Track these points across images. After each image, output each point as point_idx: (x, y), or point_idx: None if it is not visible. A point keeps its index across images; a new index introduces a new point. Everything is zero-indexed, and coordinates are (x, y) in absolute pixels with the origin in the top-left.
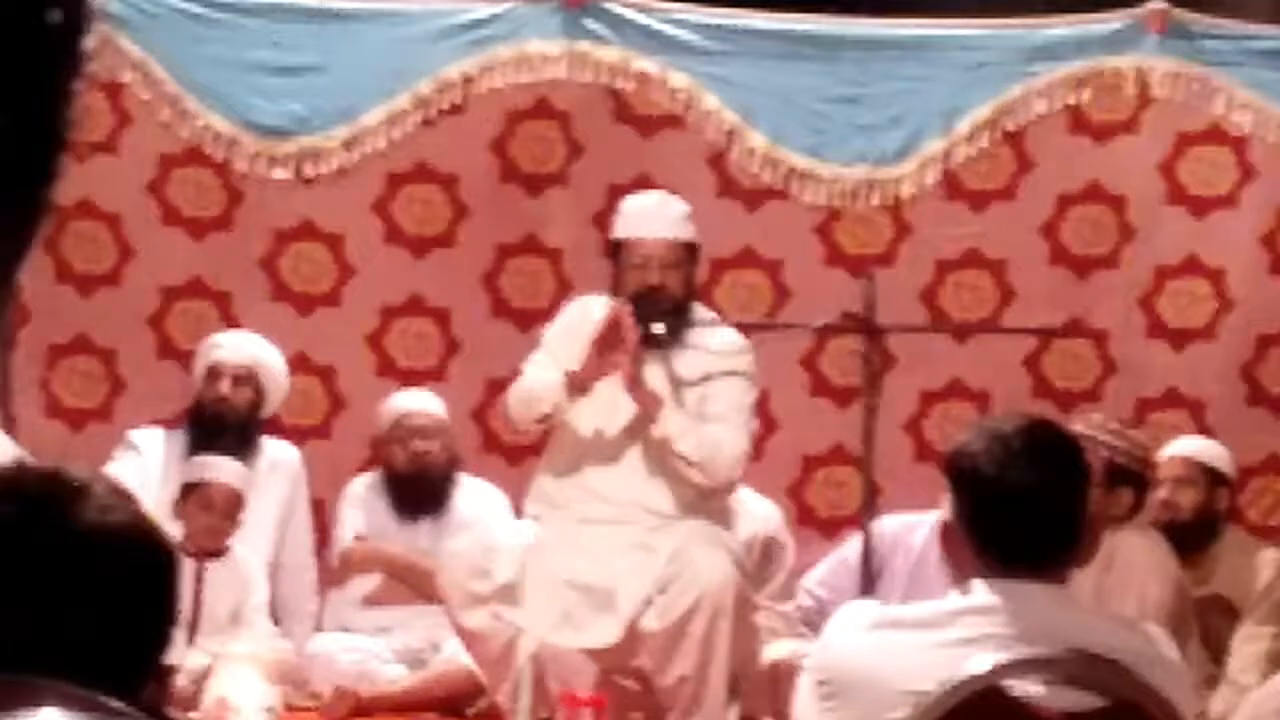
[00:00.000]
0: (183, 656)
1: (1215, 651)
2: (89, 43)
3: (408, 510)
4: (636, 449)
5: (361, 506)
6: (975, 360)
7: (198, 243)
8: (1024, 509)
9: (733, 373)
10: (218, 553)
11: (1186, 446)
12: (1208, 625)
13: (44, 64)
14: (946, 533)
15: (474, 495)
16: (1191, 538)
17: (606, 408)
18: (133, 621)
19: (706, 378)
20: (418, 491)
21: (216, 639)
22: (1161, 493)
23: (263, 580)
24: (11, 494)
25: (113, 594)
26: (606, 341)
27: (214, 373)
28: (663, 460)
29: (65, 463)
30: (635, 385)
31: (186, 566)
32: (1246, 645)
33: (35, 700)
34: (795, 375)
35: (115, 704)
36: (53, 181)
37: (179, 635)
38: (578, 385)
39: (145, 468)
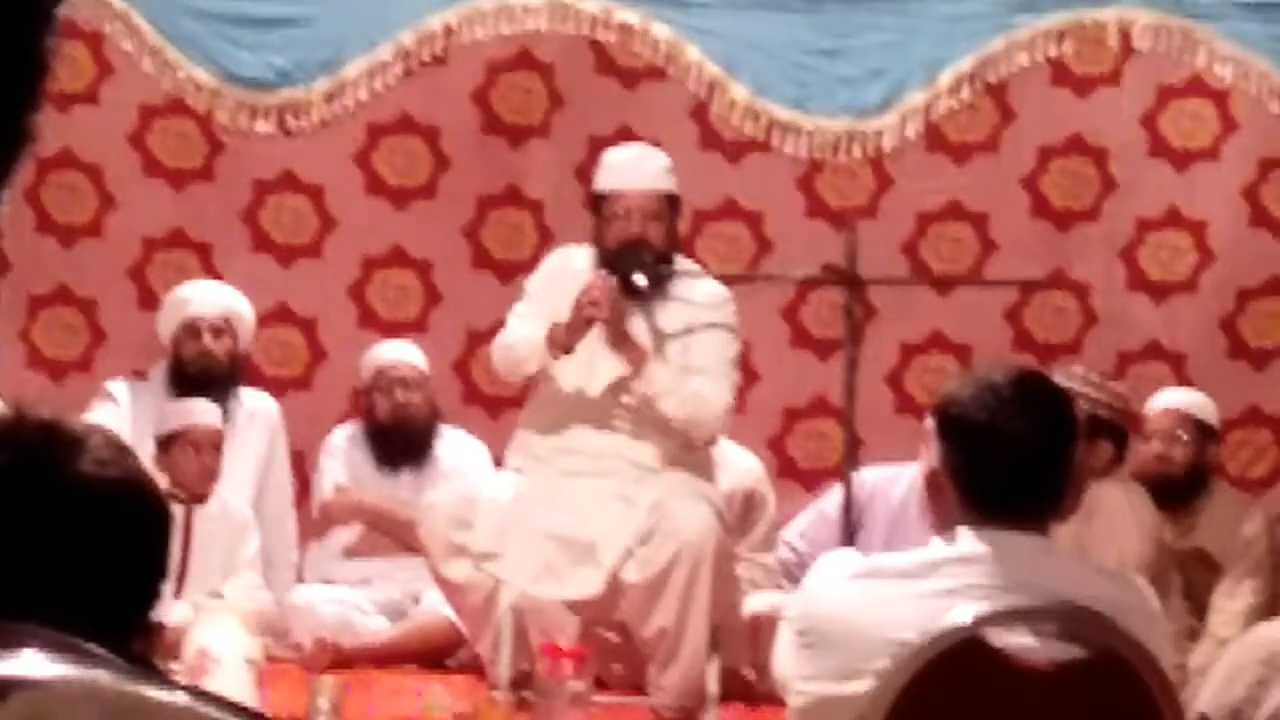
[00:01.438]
0: (169, 607)
1: (1196, 604)
2: None
3: (389, 461)
4: (617, 407)
5: (342, 458)
6: (956, 312)
7: (179, 194)
8: (1011, 458)
9: (715, 324)
10: (207, 496)
11: (1177, 399)
12: (1190, 578)
13: None
14: (931, 480)
15: (455, 446)
16: (1182, 491)
17: (586, 367)
18: (125, 574)
19: (689, 329)
20: (399, 442)
21: (208, 585)
22: (1155, 446)
23: (255, 529)
24: (9, 442)
25: (106, 546)
26: (584, 310)
27: (191, 328)
28: (643, 417)
29: (62, 413)
30: (619, 340)
31: (174, 513)
32: (1229, 601)
33: (16, 643)
34: (776, 327)
35: (97, 650)
36: (34, 109)
37: (167, 586)
38: (559, 345)
39: (121, 418)
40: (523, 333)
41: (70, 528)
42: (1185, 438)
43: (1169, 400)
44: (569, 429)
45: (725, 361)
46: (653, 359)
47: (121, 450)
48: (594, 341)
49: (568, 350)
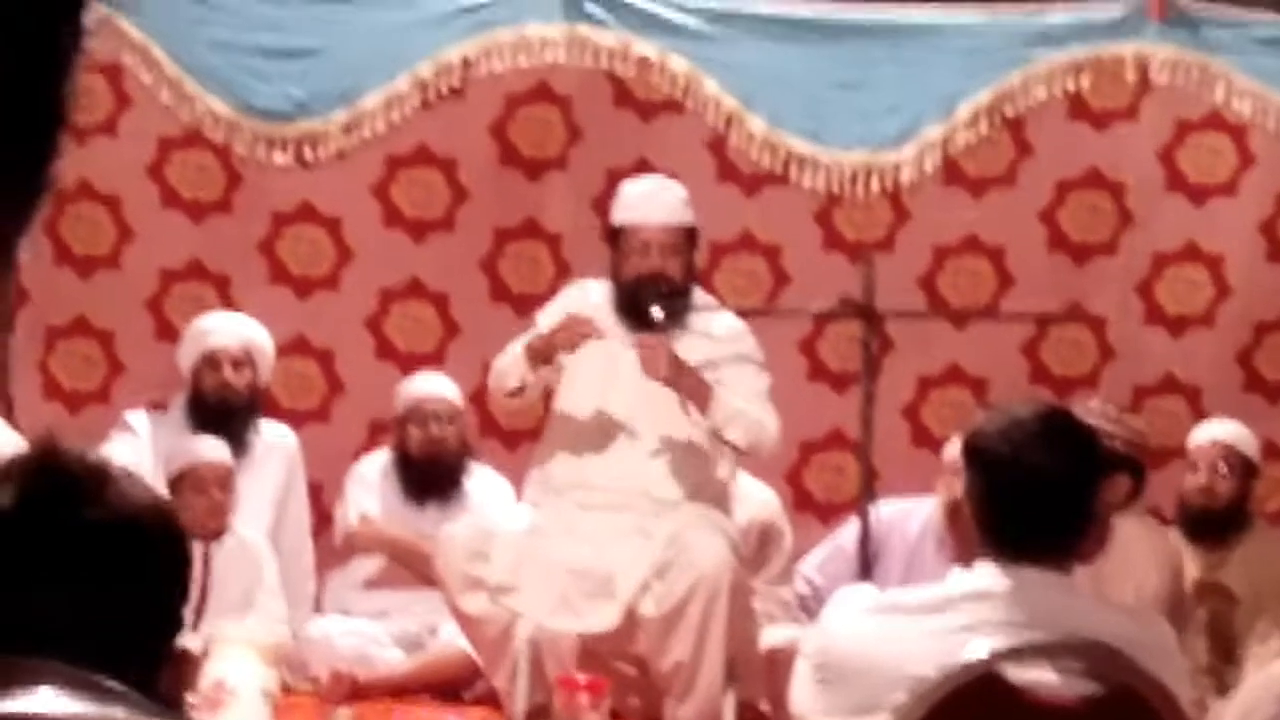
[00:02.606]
0: (185, 640)
1: (1218, 639)
2: (89, 16)
3: (417, 494)
4: (634, 433)
5: (370, 488)
6: (973, 346)
7: (197, 225)
8: (1032, 492)
9: (740, 357)
10: (221, 532)
11: (1222, 432)
12: (1215, 613)
13: (45, 37)
14: (953, 510)
15: (483, 483)
16: (1221, 525)
17: (602, 389)
18: (151, 604)
19: (710, 363)
20: (429, 476)
21: (226, 620)
22: (1200, 477)
23: (273, 561)
24: (35, 476)
25: (133, 577)
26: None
27: (212, 361)
28: (661, 447)
29: (81, 444)
30: (682, 377)
31: (192, 551)
32: (1261, 645)
33: (33, 680)
34: (793, 360)
35: (114, 685)
36: (54, 157)
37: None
38: (537, 356)
39: (140, 449)
40: (510, 350)
41: (98, 560)
42: (1230, 471)
43: (1214, 433)
44: (583, 456)
45: (762, 394)
46: (716, 391)
47: (139, 479)
48: (609, 363)
49: (547, 360)
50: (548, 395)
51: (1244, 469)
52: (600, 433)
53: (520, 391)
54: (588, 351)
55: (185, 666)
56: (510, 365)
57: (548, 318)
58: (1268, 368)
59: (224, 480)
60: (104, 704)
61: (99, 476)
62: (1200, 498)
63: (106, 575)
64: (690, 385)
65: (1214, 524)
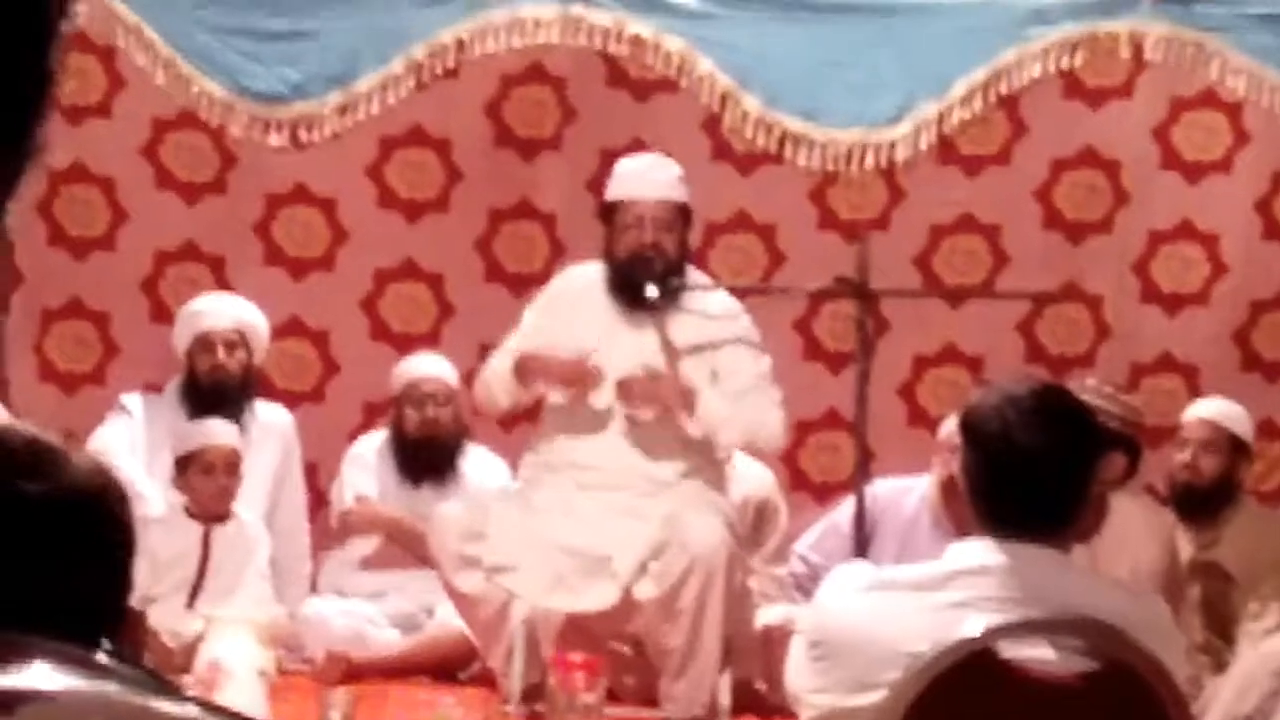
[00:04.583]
0: (182, 620)
1: (1214, 617)
2: None
3: (413, 474)
4: (630, 413)
5: (366, 468)
6: (969, 325)
7: (191, 207)
8: (1026, 471)
9: (739, 340)
10: (225, 516)
11: (1211, 410)
12: (1208, 591)
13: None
14: (948, 487)
15: (479, 464)
16: (1207, 503)
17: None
18: (106, 572)
19: (711, 345)
20: (424, 456)
21: (218, 601)
22: (1185, 454)
23: (267, 544)
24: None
25: (86, 546)
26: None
27: (204, 343)
28: (658, 430)
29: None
30: (666, 394)
31: (193, 531)
32: (1254, 622)
33: (26, 655)
34: (788, 340)
35: (107, 662)
36: (41, 121)
37: (180, 599)
38: (528, 378)
39: (135, 431)
40: (495, 366)
41: (43, 533)
42: (1214, 449)
43: (1202, 411)
44: (579, 437)
45: (764, 377)
46: (702, 394)
47: (81, 450)
48: (604, 348)
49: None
50: None
51: (1231, 447)
52: (595, 414)
53: (510, 409)
54: (581, 334)
55: (137, 627)
56: (499, 384)
57: (532, 316)
58: (1265, 346)
59: (231, 464)
60: (98, 679)
61: (36, 450)
62: (1184, 474)
63: (54, 548)
64: (675, 402)
65: (1201, 501)
